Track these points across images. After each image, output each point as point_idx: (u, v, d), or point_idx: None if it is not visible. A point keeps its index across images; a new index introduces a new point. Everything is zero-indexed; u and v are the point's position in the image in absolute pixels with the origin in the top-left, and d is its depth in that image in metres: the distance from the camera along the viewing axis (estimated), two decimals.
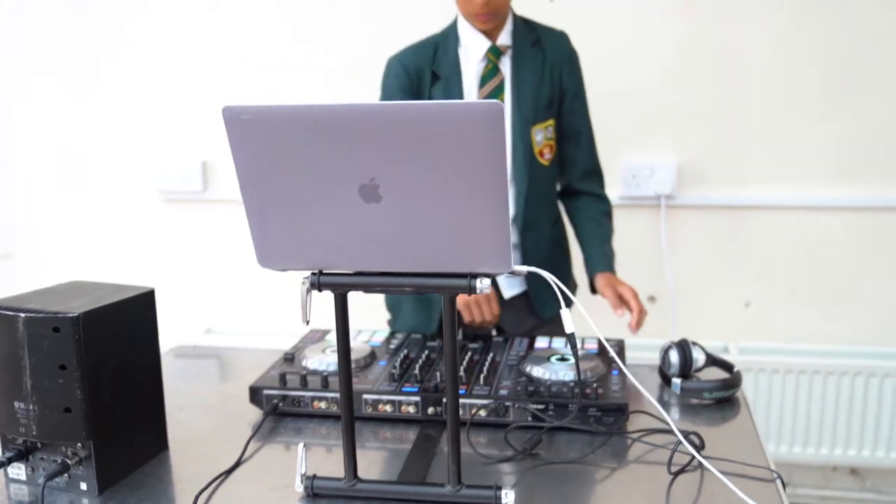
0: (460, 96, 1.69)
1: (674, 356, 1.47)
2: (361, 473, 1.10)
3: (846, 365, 2.39)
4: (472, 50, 1.70)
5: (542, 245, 1.82)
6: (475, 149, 0.87)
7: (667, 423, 1.21)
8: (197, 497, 1.09)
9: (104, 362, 1.10)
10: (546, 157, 1.75)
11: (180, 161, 2.63)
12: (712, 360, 1.52)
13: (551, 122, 1.75)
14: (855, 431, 2.42)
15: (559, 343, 1.56)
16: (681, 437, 1.16)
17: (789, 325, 2.50)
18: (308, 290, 1.01)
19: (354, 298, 1.04)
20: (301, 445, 1.10)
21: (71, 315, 1.05)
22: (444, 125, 0.87)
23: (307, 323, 1.04)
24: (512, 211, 1.76)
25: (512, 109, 1.72)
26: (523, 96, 1.71)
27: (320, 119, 0.89)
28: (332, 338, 1.57)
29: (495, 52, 1.70)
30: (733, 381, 1.44)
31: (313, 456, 1.23)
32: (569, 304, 1.13)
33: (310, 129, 0.90)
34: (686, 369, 1.47)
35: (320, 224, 0.96)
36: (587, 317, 1.11)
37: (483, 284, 0.97)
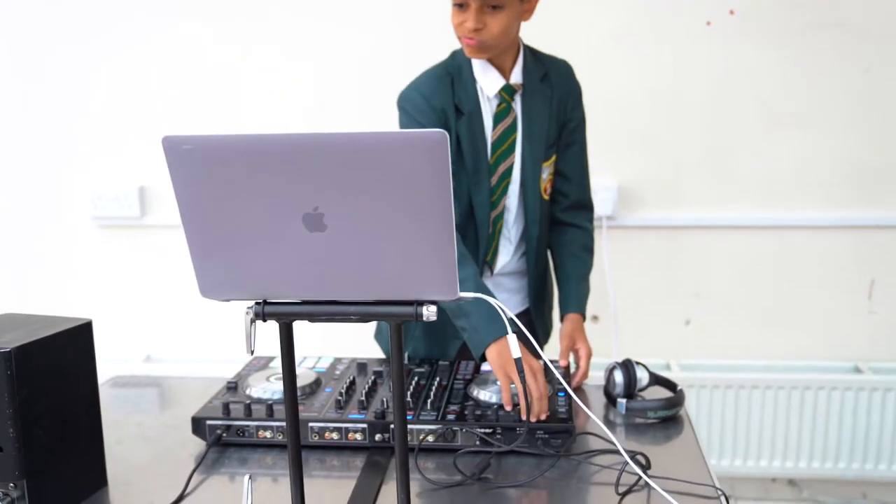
0: (483, 132, 1.64)
1: (618, 376, 1.49)
2: (309, 503, 1.09)
3: (783, 379, 2.47)
4: (487, 88, 1.64)
5: (542, 278, 1.80)
6: (420, 178, 0.87)
7: (613, 444, 1.22)
8: None
9: (38, 398, 1.06)
10: (548, 192, 1.73)
11: (116, 186, 2.57)
12: (656, 379, 1.54)
13: (555, 157, 1.73)
14: (792, 443, 2.49)
15: None
16: (627, 458, 1.18)
17: (728, 342, 2.56)
18: (252, 321, 1.00)
19: (303, 324, 1.03)
20: (247, 477, 1.08)
21: (2, 350, 1.01)
22: (388, 154, 0.87)
23: (252, 353, 1.02)
24: (523, 248, 1.75)
25: (523, 148, 1.67)
26: (535, 135, 1.67)
27: (262, 148, 0.88)
28: (277, 364, 1.55)
29: (509, 92, 1.65)
30: (677, 399, 1.46)
31: (259, 487, 1.21)
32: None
33: (252, 159, 0.89)
34: (631, 389, 1.49)
35: (264, 253, 0.94)
36: (532, 339, 1.12)
37: (430, 311, 0.97)
